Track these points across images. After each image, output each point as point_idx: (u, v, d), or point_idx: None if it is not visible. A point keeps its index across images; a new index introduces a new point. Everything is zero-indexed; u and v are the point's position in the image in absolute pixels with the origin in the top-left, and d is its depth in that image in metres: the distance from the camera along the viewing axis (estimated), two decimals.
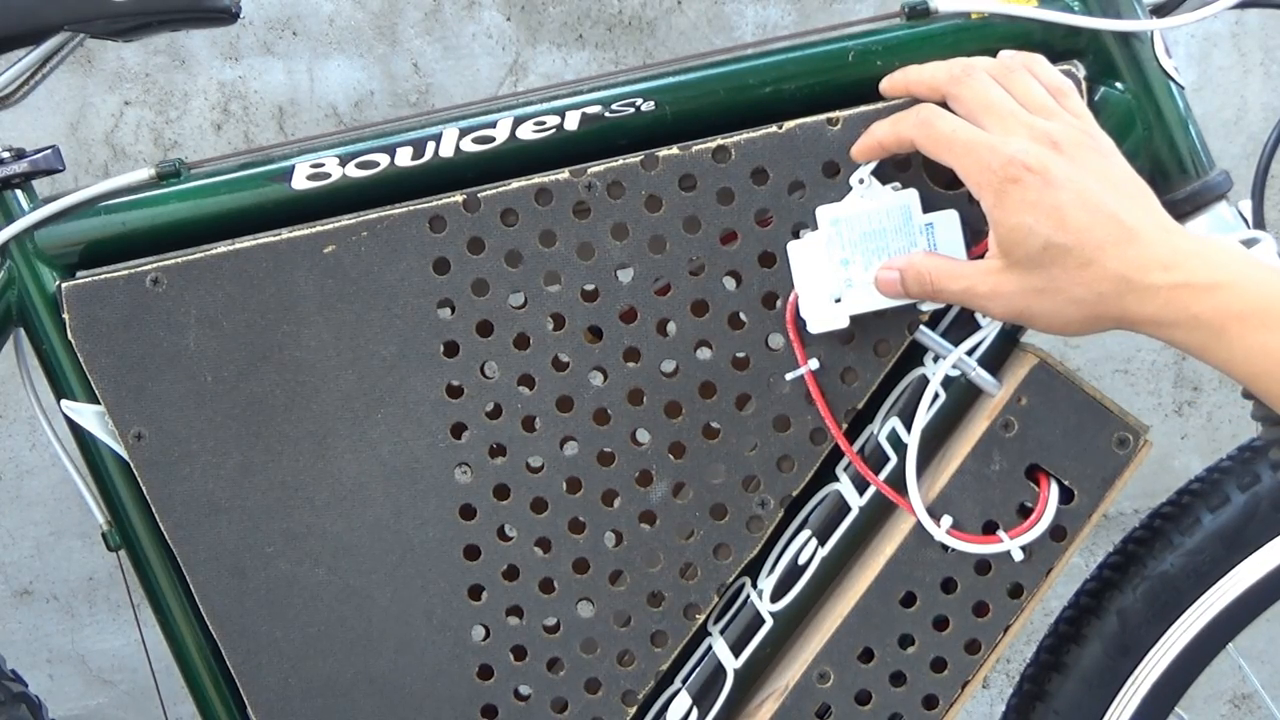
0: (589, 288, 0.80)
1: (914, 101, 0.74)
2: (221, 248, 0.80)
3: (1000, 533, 0.79)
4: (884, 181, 0.76)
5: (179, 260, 0.80)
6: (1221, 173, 0.79)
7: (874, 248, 0.76)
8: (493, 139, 0.80)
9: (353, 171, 0.81)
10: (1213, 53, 1.46)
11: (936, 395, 0.80)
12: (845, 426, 0.80)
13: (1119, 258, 0.65)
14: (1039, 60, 0.73)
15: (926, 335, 0.79)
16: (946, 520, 0.79)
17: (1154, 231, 0.65)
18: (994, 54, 0.74)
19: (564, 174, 0.78)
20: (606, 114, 0.80)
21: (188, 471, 0.82)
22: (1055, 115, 0.69)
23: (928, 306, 0.77)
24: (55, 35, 0.81)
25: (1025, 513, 0.79)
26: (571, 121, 0.80)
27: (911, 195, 0.76)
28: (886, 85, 0.76)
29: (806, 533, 0.84)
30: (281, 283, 0.80)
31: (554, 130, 0.80)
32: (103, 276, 0.80)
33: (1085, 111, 0.71)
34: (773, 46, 0.81)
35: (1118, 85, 0.79)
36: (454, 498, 0.82)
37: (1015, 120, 0.69)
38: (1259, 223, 0.78)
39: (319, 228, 0.79)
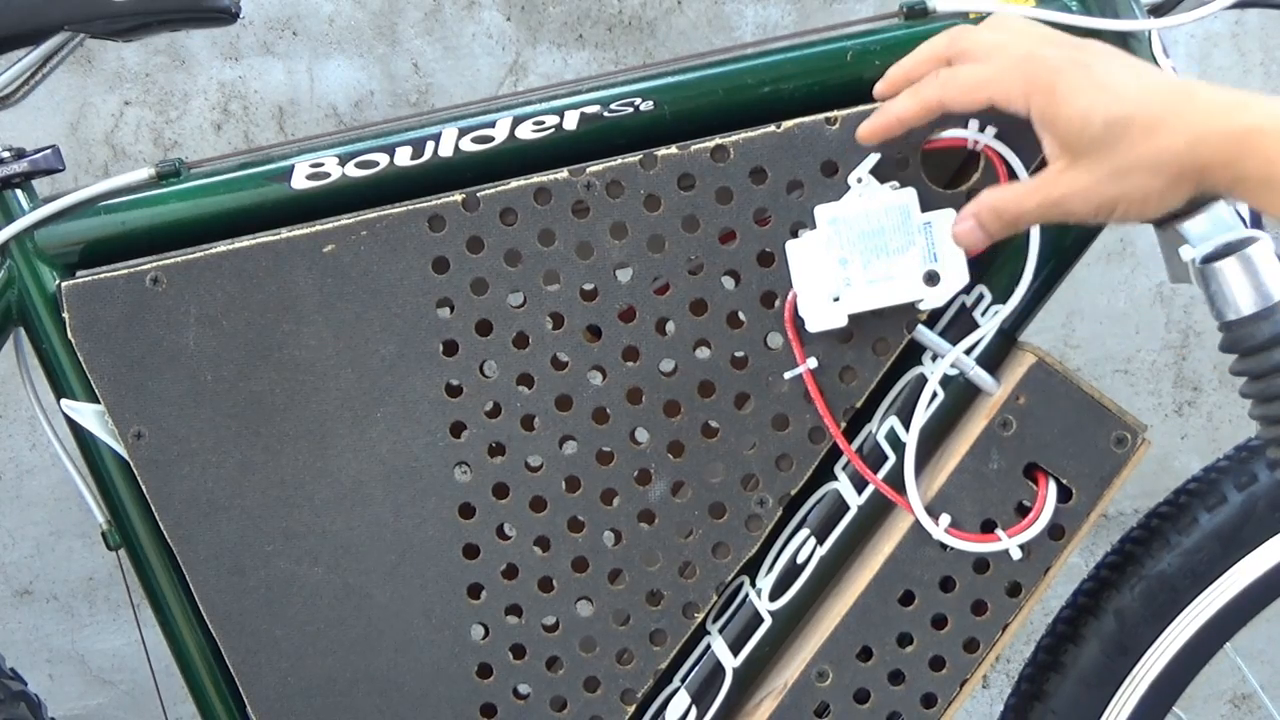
0: (588, 287, 0.80)
1: None
2: (221, 247, 0.80)
3: (999, 531, 0.79)
4: (882, 181, 0.76)
5: (179, 260, 0.80)
6: None
7: (872, 247, 0.76)
8: (492, 139, 0.81)
9: (352, 171, 0.81)
10: (1213, 53, 1.46)
11: (935, 394, 0.81)
12: (844, 425, 0.80)
13: (1180, 113, 0.64)
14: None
15: (925, 334, 0.79)
16: (945, 519, 0.79)
17: (1203, 86, 0.65)
18: None
19: (563, 173, 0.79)
20: (605, 114, 0.80)
21: (187, 470, 0.82)
22: (1059, 36, 0.70)
23: (926, 305, 0.77)
24: (55, 35, 0.81)
25: (1023, 511, 0.80)
26: (570, 121, 0.80)
27: (910, 194, 0.76)
28: (883, 86, 0.76)
29: (805, 531, 0.84)
30: (281, 282, 0.80)
31: (553, 130, 0.80)
32: (103, 276, 0.80)
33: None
34: (772, 46, 0.81)
35: None
36: (453, 497, 0.82)
37: (1029, 40, 0.69)
38: (1257, 222, 0.78)
39: (318, 227, 0.80)
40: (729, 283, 0.79)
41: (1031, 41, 0.69)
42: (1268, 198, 0.64)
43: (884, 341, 0.79)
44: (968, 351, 0.80)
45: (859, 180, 0.76)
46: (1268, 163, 0.62)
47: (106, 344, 0.80)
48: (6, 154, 0.83)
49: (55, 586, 1.44)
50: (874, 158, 0.76)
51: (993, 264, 0.80)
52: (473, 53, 1.37)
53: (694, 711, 0.86)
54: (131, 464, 0.82)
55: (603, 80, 0.81)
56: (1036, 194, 0.70)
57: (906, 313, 0.78)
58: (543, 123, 0.80)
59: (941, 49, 0.72)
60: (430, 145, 0.81)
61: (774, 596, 0.84)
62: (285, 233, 0.80)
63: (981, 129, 0.75)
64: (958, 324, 0.81)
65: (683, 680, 0.86)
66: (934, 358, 0.81)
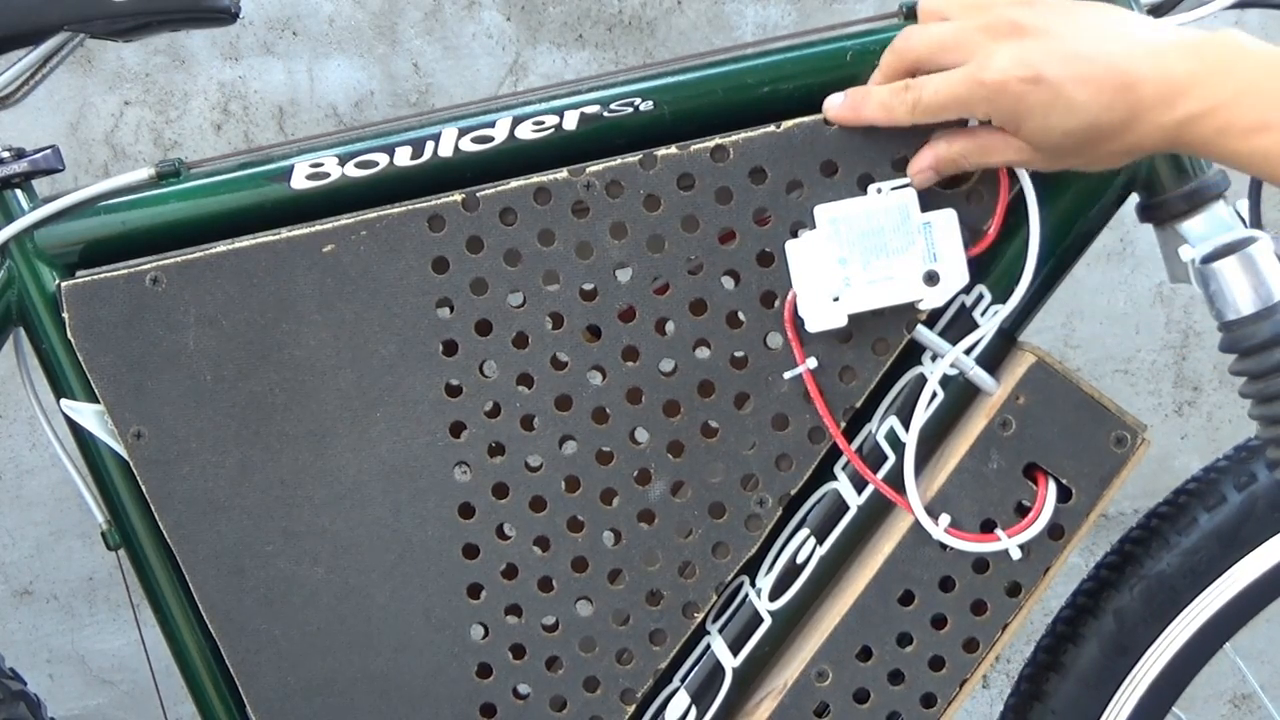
0: (588, 287, 0.80)
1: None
2: (221, 247, 0.80)
3: (998, 531, 0.79)
4: (924, 193, 0.76)
5: (179, 260, 0.80)
6: (1219, 172, 0.79)
7: (872, 247, 0.76)
8: (492, 139, 0.81)
9: (352, 171, 0.81)
10: None
11: (935, 394, 0.81)
12: (843, 425, 0.80)
13: (1127, 115, 0.67)
14: None
15: (924, 334, 0.79)
16: (944, 519, 0.79)
17: (1149, 69, 0.66)
18: None
19: (563, 173, 0.79)
20: (605, 114, 0.80)
21: (187, 470, 0.82)
22: (996, 2, 0.70)
23: (926, 305, 0.77)
24: (55, 35, 0.81)
25: (1023, 511, 0.80)
26: (570, 121, 0.80)
27: (909, 194, 0.76)
28: (843, 114, 0.76)
29: (805, 531, 0.84)
30: (281, 282, 0.80)
31: (553, 130, 0.80)
32: (102, 276, 0.80)
33: None
34: (772, 46, 0.81)
35: None
36: (453, 496, 0.82)
37: (974, 35, 0.69)
38: (1256, 222, 0.78)
39: (318, 227, 0.79)
40: (729, 283, 0.79)
41: (977, 36, 0.69)
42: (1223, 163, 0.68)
43: (884, 341, 0.79)
44: (967, 351, 0.80)
45: (878, 190, 0.76)
46: (1202, 147, 0.66)
47: (106, 344, 0.80)
48: (6, 154, 0.83)
49: (55, 586, 1.44)
50: (909, 177, 0.76)
51: (993, 264, 0.80)
52: (473, 53, 1.37)
53: (694, 711, 0.86)
54: (131, 464, 0.82)
55: (603, 80, 0.81)
56: (999, 156, 0.72)
57: (906, 313, 0.78)
58: (542, 123, 0.80)
59: (892, 61, 0.74)
60: (430, 145, 0.81)
61: (774, 596, 0.84)
62: (285, 233, 0.80)
63: None
64: (957, 324, 0.81)
65: (682, 680, 0.86)
66: (934, 358, 0.81)
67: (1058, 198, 0.79)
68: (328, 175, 0.81)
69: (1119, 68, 0.66)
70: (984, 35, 0.69)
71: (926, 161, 0.75)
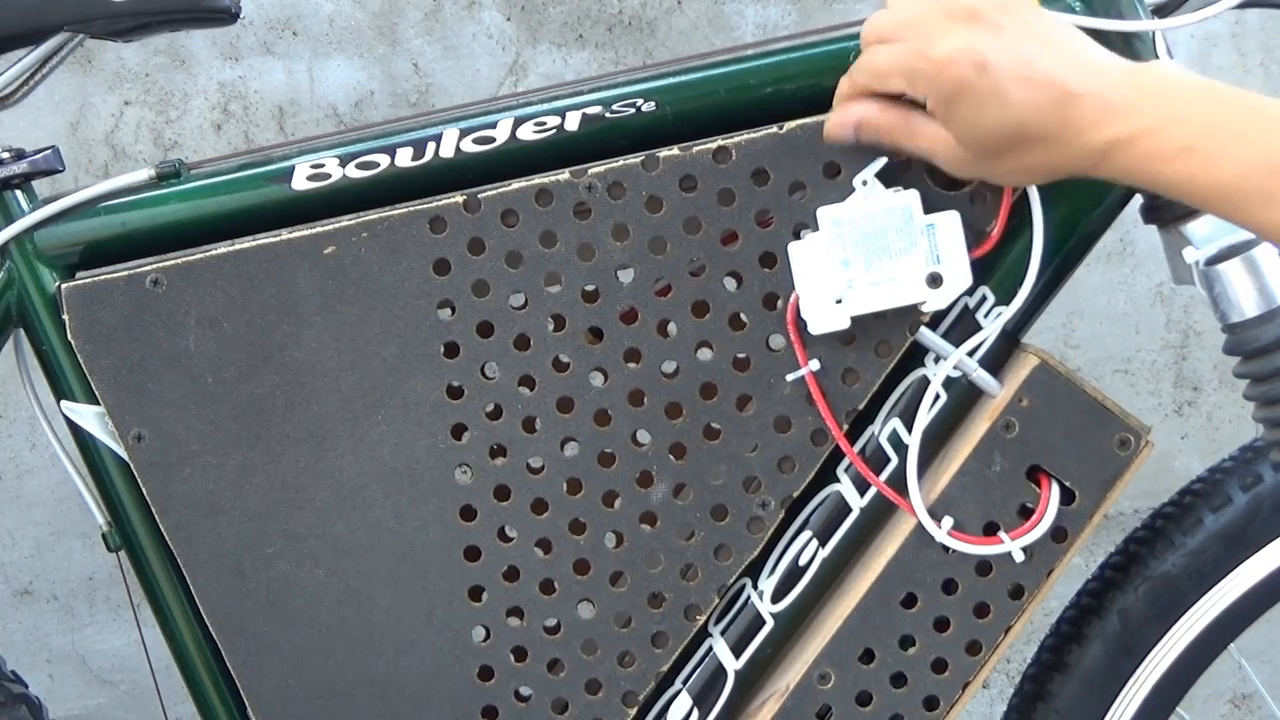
0: (589, 288, 0.80)
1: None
2: (221, 248, 0.80)
3: (1001, 534, 0.79)
4: (885, 183, 0.76)
5: (179, 261, 0.80)
6: None
7: (875, 248, 0.76)
8: (493, 139, 0.80)
9: (353, 172, 0.81)
10: (1213, 53, 1.46)
11: (937, 396, 0.80)
12: (846, 427, 0.80)
13: (1056, 128, 0.67)
14: None
15: (927, 336, 0.79)
16: (947, 521, 0.79)
17: (1089, 87, 0.67)
18: None
19: (564, 174, 0.78)
20: (607, 114, 0.80)
21: (188, 472, 0.81)
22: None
23: (929, 306, 0.77)
24: (55, 35, 0.81)
25: (1026, 514, 0.79)
26: (572, 122, 0.80)
27: (913, 196, 0.75)
28: (835, 128, 0.76)
29: (807, 534, 0.84)
30: (281, 283, 0.80)
31: (554, 131, 0.80)
32: (103, 277, 0.80)
33: None
34: (773, 47, 0.81)
35: None
36: (454, 499, 0.82)
37: (932, 17, 0.70)
38: None
39: (319, 228, 0.79)
40: (731, 284, 0.79)
41: (933, 19, 0.70)
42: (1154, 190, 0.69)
43: (886, 343, 0.79)
44: (970, 353, 0.80)
45: (864, 183, 0.76)
46: (1125, 171, 0.67)
47: (106, 345, 0.80)
48: (6, 154, 0.83)
49: (55, 586, 1.44)
50: (880, 161, 0.76)
51: (996, 266, 0.80)
52: (473, 53, 1.37)
53: (696, 713, 0.85)
54: (132, 466, 0.82)
55: (604, 81, 0.81)
56: (919, 142, 0.73)
57: (909, 314, 0.78)
58: (544, 123, 0.80)
59: (866, 45, 0.74)
60: (431, 146, 0.81)
61: (776, 599, 0.84)
62: (286, 234, 0.80)
63: None
64: (960, 326, 0.80)
65: (684, 682, 0.86)
66: (936, 360, 0.81)
67: (1061, 199, 0.79)
68: (329, 176, 0.81)
69: (1061, 79, 0.67)
70: (942, 17, 0.70)
71: (852, 116, 0.74)
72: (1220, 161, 0.63)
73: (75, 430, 0.84)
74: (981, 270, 0.78)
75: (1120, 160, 0.67)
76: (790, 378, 0.80)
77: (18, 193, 0.83)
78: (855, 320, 0.77)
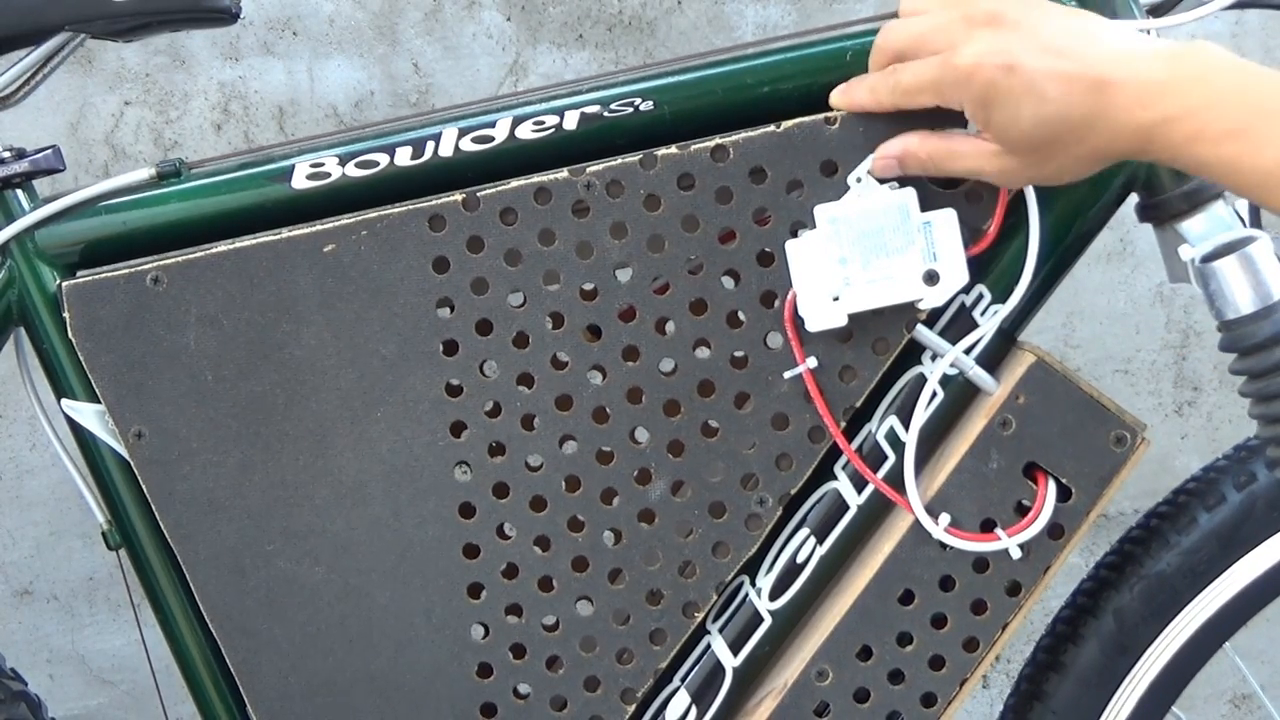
0: (588, 287, 0.80)
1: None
2: (222, 247, 0.80)
3: (998, 531, 0.80)
4: (882, 180, 0.76)
5: (179, 259, 0.80)
6: None
7: (872, 246, 0.76)
8: (492, 139, 0.81)
9: (352, 171, 0.81)
10: None
11: (934, 394, 0.81)
12: (843, 425, 0.80)
13: (1097, 113, 0.67)
14: None
15: (924, 334, 0.79)
16: (944, 518, 0.79)
17: (1123, 72, 0.67)
18: None
19: (563, 173, 0.79)
20: (605, 114, 0.80)
21: (188, 470, 0.82)
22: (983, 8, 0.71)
23: (926, 304, 0.77)
24: (55, 35, 0.81)
25: (1023, 511, 0.80)
26: (570, 121, 0.80)
27: (909, 194, 0.76)
28: (840, 100, 0.77)
29: (805, 531, 0.84)
30: (281, 282, 0.80)
31: (553, 130, 0.80)
32: (103, 276, 0.80)
33: None
34: (772, 46, 0.81)
35: None
36: (453, 496, 0.82)
37: (952, 25, 0.70)
38: (1256, 221, 0.78)
39: (319, 227, 0.80)
40: (729, 282, 0.79)
41: (953, 27, 0.70)
42: (1189, 171, 0.69)
43: (884, 341, 0.79)
44: (967, 351, 0.80)
45: (858, 180, 0.76)
46: (1170, 153, 0.66)
47: (107, 344, 0.80)
48: (7, 154, 0.83)
49: (55, 586, 1.44)
50: (873, 158, 0.76)
51: (993, 263, 0.80)
52: (473, 53, 1.37)
53: (694, 711, 0.86)
54: (132, 464, 0.82)
55: (603, 80, 0.81)
56: (967, 161, 0.73)
57: (906, 312, 0.78)
58: (543, 123, 0.80)
59: (878, 54, 0.75)
60: (430, 145, 0.81)
61: (774, 596, 0.84)
62: (286, 232, 0.80)
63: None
64: (957, 323, 0.81)
65: (683, 680, 0.86)
66: (934, 357, 0.81)
67: (1057, 197, 0.79)
68: (328, 175, 0.81)
69: (1093, 68, 0.67)
70: (962, 24, 0.70)
71: (895, 150, 0.75)
72: (1265, 148, 0.63)
73: (75, 428, 0.84)
74: (978, 268, 0.79)
75: (1164, 141, 0.66)
76: (788, 375, 0.80)
77: (18, 192, 0.83)
78: (852, 318, 0.77)
